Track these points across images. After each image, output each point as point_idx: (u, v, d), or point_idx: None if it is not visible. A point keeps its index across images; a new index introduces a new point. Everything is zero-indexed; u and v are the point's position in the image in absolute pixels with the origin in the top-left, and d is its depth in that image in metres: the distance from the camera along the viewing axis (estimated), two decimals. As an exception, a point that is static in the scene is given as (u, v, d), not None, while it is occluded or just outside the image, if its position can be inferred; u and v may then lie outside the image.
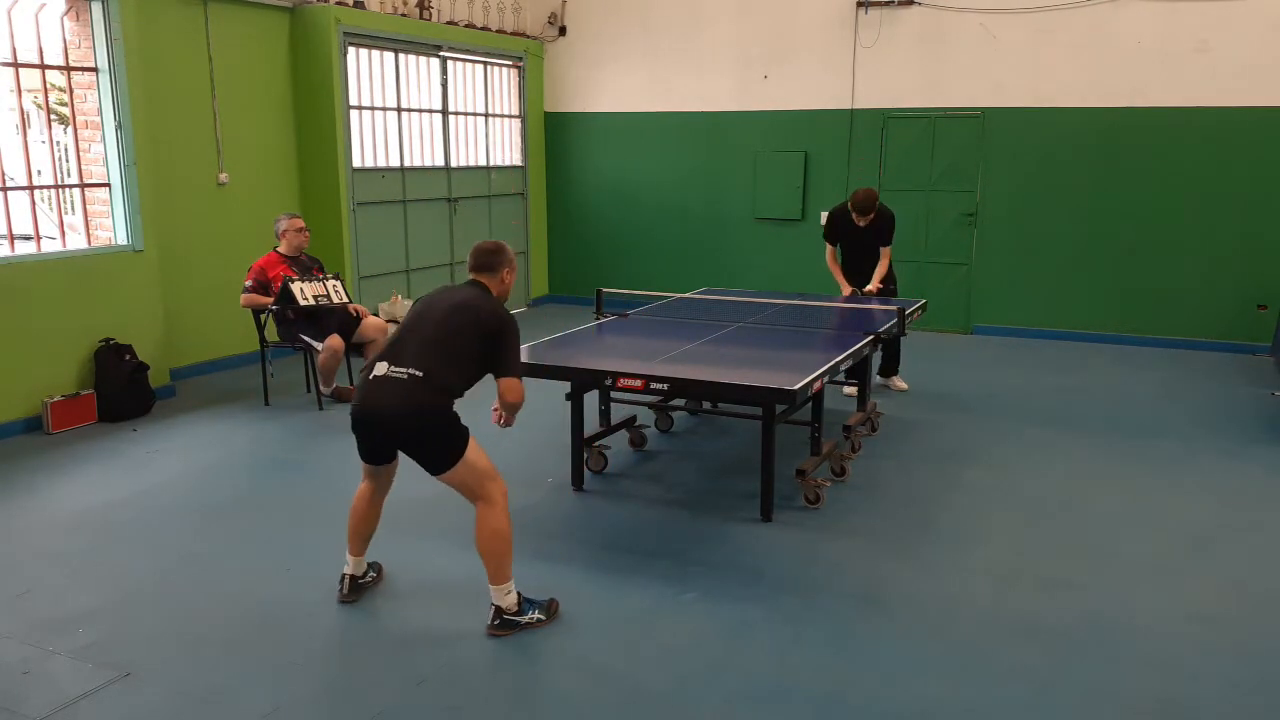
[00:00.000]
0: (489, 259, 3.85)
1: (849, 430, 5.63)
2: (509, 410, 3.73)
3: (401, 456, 3.73)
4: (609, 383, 4.76)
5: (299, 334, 6.79)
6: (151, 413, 6.64)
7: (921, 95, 9.40)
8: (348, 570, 3.93)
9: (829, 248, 7.29)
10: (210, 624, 3.77)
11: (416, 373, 3.49)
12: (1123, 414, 6.74)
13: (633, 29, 10.46)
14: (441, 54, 9.50)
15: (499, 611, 3.63)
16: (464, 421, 3.63)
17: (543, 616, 3.70)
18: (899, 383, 7.31)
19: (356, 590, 3.92)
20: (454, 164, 9.83)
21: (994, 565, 4.32)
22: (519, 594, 3.68)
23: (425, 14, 9.31)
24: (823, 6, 9.61)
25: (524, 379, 3.72)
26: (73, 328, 6.44)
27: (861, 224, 6.98)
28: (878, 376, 7.21)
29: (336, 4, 8.29)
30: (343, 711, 3.19)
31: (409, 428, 3.54)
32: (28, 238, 6.61)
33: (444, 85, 9.65)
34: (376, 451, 3.73)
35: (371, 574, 4.03)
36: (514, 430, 6.28)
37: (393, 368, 3.53)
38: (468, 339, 3.58)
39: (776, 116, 9.98)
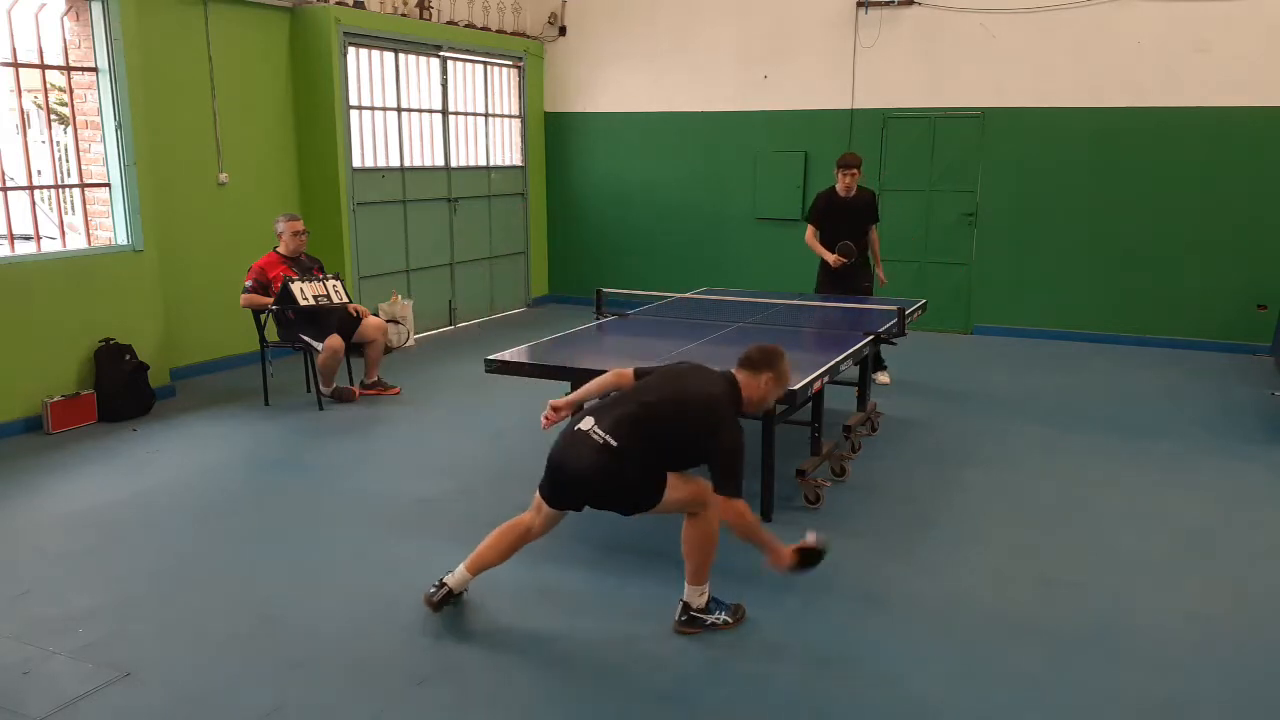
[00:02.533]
0: (759, 355, 3.62)
1: (849, 430, 5.63)
2: (736, 532, 3.42)
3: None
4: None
5: (299, 334, 6.79)
6: (151, 413, 6.64)
7: (921, 95, 9.40)
8: (450, 581, 3.70)
9: (810, 228, 7.31)
10: (210, 624, 3.77)
11: (611, 442, 3.36)
12: (1123, 414, 6.74)
13: (633, 29, 10.46)
14: (441, 54, 9.51)
15: (687, 608, 3.63)
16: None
17: (729, 619, 3.65)
18: (882, 377, 7.34)
19: (446, 602, 3.70)
20: (454, 164, 9.83)
21: (994, 565, 4.32)
22: (710, 595, 3.65)
23: (425, 14, 9.31)
24: (823, 6, 9.61)
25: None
26: (73, 328, 6.44)
27: (850, 194, 7.08)
28: None
29: (336, 4, 8.29)
30: (343, 711, 3.19)
31: (596, 489, 3.46)
32: (28, 238, 6.61)
33: (444, 85, 9.65)
34: (559, 497, 3.58)
35: (464, 595, 3.82)
36: (514, 430, 6.31)
37: (596, 427, 3.40)
38: (679, 425, 3.44)
39: (776, 116, 9.98)
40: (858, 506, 4.99)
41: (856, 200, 7.17)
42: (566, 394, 5.18)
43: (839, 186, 7.15)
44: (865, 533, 4.67)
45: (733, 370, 3.60)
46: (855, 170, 7.07)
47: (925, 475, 5.49)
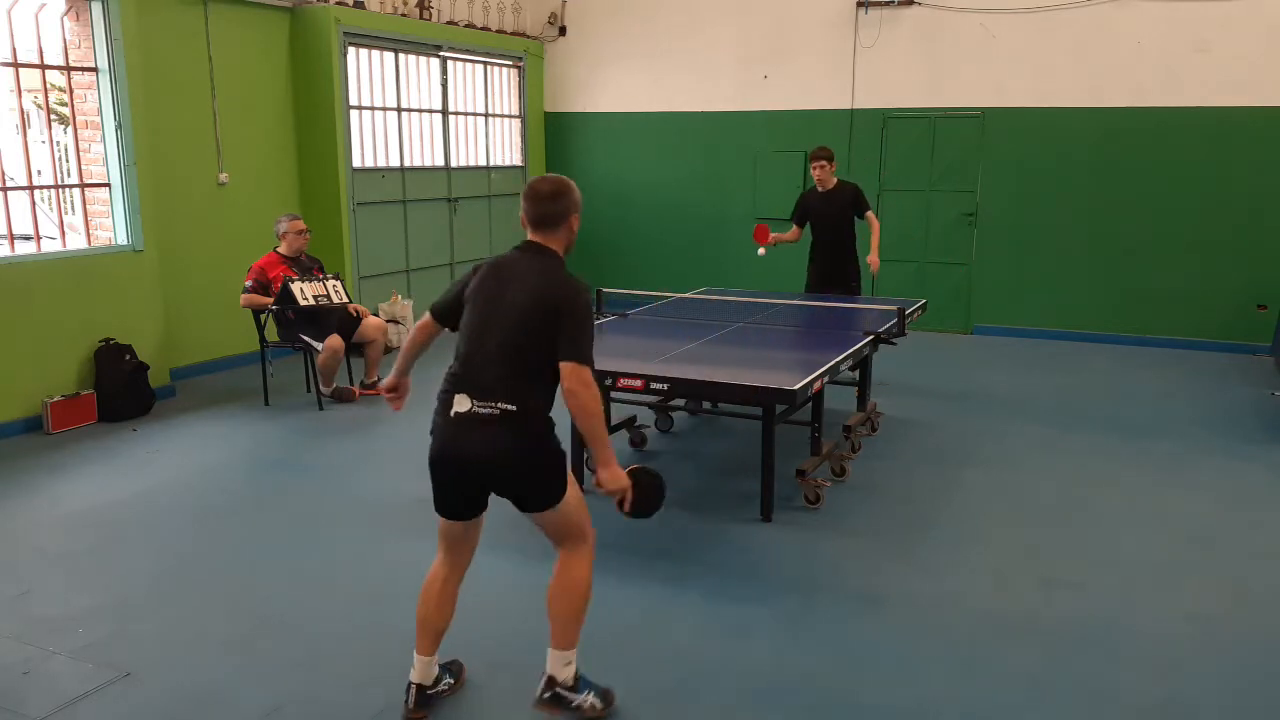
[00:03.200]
0: (550, 209, 3.07)
1: (849, 430, 5.63)
2: (573, 406, 2.86)
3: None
4: (609, 383, 4.76)
5: (299, 334, 6.79)
6: (151, 413, 6.64)
7: (921, 95, 9.40)
8: (414, 678, 3.12)
9: (794, 228, 7.31)
10: (210, 624, 3.77)
11: (509, 407, 2.85)
12: (1123, 414, 6.74)
13: (633, 29, 10.46)
14: (441, 54, 9.50)
15: (551, 683, 3.05)
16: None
17: (599, 704, 3.07)
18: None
19: (425, 705, 3.11)
20: (454, 164, 9.83)
21: (994, 565, 4.31)
22: (577, 670, 3.07)
23: (425, 14, 9.31)
24: (823, 6, 9.61)
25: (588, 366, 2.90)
26: (73, 328, 6.44)
27: (828, 187, 7.07)
28: None
29: (336, 4, 8.29)
30: (342, 711, 3.19)
31: (509, 474, 2.94)
32: (28, 238, 6.61)
33: (444, 85, 9.65)
34: (465, 500, 3.03)
35: (447, 680, 3.22)
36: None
37: (477, 403, 2.86)
38: (545, 336, 2.89)
39: (776, 116, 9.98)
40: (858, 506, 4.98)
41: (837, 195, 7.12)
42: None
43: (815, 181, 7.17)
44: (865, 533, 4.67)
45: (531, 240, 3.10)
46: (824, 161, 7.05)
47: (925, 475, 5.49)
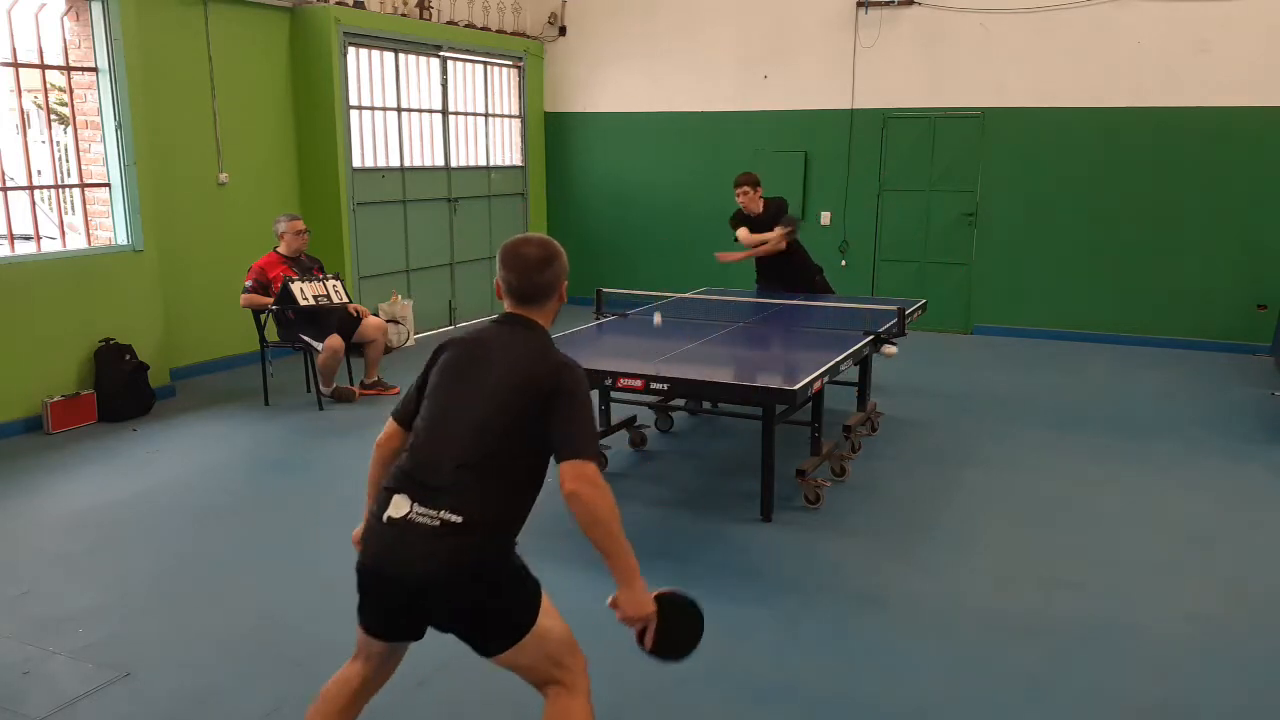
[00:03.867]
0: (539, 279, 2.50)
1: (849, 430, 5.63)
2: (581, 514, 2.26)
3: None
4: (609, 383, 4.76)
5: (299, 334, 6.79)
6: (151, 413, 6.64)
7: (921, 95, 9.40)
8: None
9: (742, 230, 6.98)
10: (210, 624, 3.77)
11: (454, 518, 2.26)
12: (1123, 414, 6.74)
13: (633, 29, 10.46)
14: (441, 54, 9.50)
15: None
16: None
17: None
18: (889, 348, 7.15)
19: None
20: (454, 164, 9.83)
21: (994, 565, 4.32)
22: None
23: (425, 14, 9.31)
24: (823, 6, 9.61)
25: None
26: (73, 328, 6.44)
27: (755, 211, 6.92)
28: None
29: (336, 4, 8.29)
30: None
31: (452, 599, 2.31)
32: (28, 238, 6.61)
33: (444, 85, 9.65)
34: (393, 625, 2.45)
35: None
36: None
37: (419, 508, 2.29)
38: (526, 430, 2.35)
39: (776, 116, 9.98)
40: (858, 506, 4.98)
41: (766, 215, 6.95)
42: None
43: (741, 207, 6.99)
44: (865, 533, 4.67)
45: (512, 311, 2.53)
46: (747, 188, 6.90)
47: (925, 475, 5.49)
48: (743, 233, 7.00)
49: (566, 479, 2.25)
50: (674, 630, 2.42)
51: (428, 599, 2.30)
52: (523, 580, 2.40)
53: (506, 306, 2.55)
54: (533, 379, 2.36)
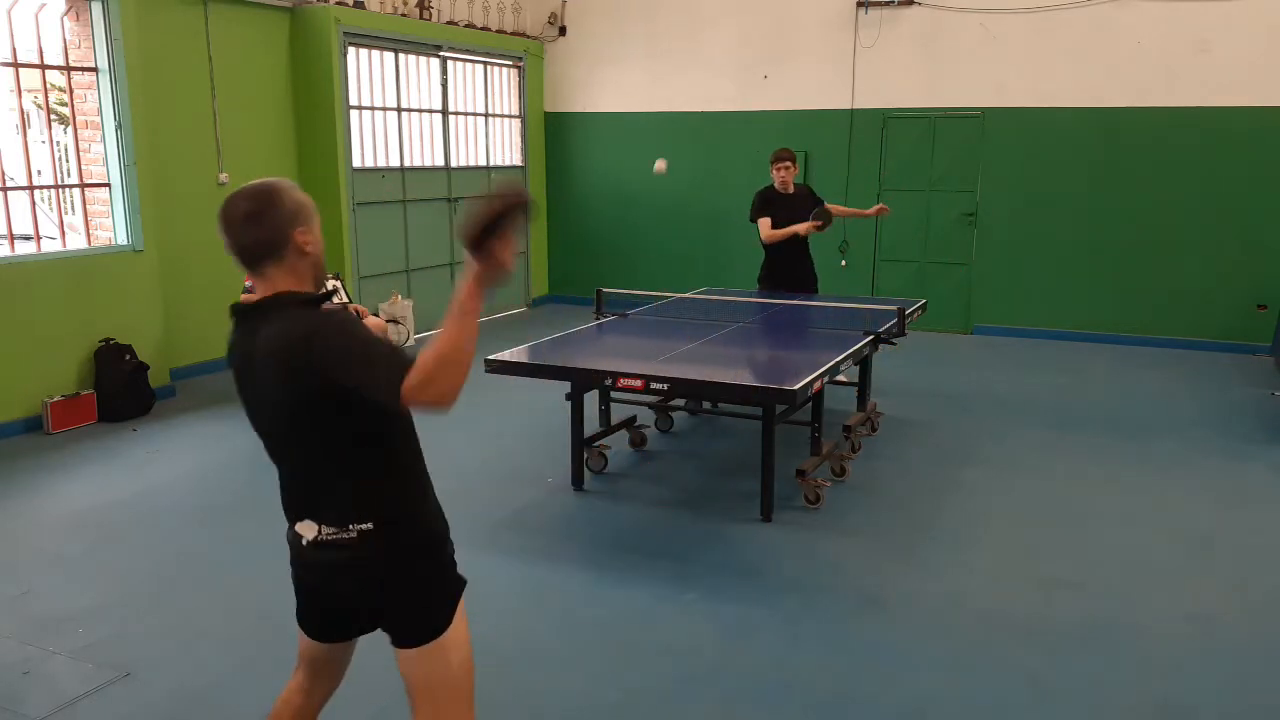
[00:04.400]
0: (254, 235, 2.15)
1: (849, 430, 5.63)
2: (435, 396, 1.89)
3: None
4: (609, 383, 4.76)
5: (299, 334, 6.78)
6: (151, 413, 6.64)
7: (921, 95, 9.40)
8: None
9: (765, 221, 6.73)
10: (210, 624, 3.77)
11: (344, 535, 2.13)
12: (1123, 414, 6.74)
13: (633, 29, 10.46)
14: (441, 54, 9.50)
15: None
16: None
17: None
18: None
19: None
20: (454, 164, 9.83)
21: (994, 565, 4.32)
22: None
23: (425, 14, 9.31)
24: (823, 6, 9.61)
25: (445, 373, 1.90)
26: (73, 328, 6.44)
27: (788, 190, 6.77)
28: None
29: (336, 4, 8.29)
30: (342, 711, 3.18)
31: (366, 589, 2.19)
32: (28, 238, 6.62)
33: (444, 85, 9.65)
34: (329, 621, 2.37)
35: None
36: (514, 430, 6.31)
37: (320, 530, 2.16)
38: (330, 410, 2.03)
39: (776, 116, 9.97)
40: (858, 506, 4.98)
41: (796, 196, 6.84)
42: (567, 395, 5.10)
43: (776, 182, 6.82)
44: (865, 533, 4.67)
45: (245, 297, 2.30)
46: (788, 163, 6.80)
47: (925, 475, 5.49)
48: (764, 225, 6.75)
49: (405, 402, 1.89)
50: (505, 218, 1.91)
51: (359, 605, 2.20)
52: (446, 571, 2.23)
53: (244, 281, 2.18)
54: (293, 373, 2.00)
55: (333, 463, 2.10)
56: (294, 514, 2.22)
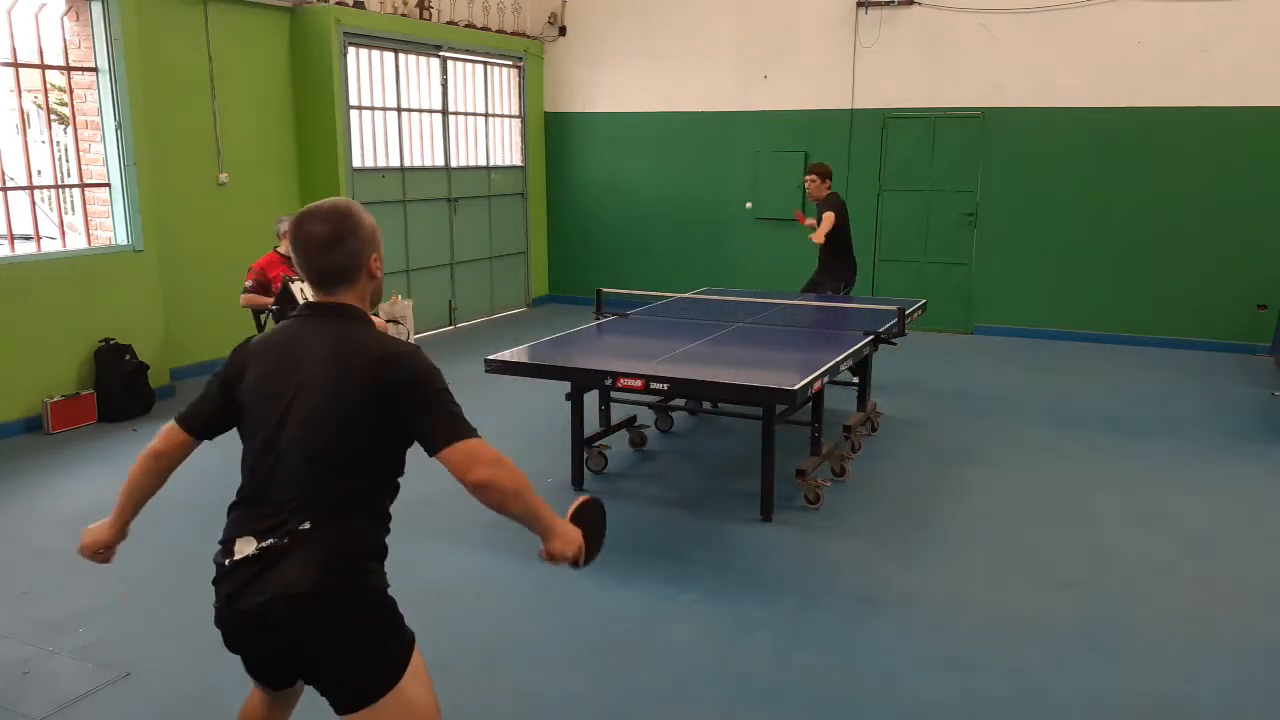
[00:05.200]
0: (334, 260, 2.14)
1: (849, 430, 5.63)
2: (494, 499, 2.03)
3: None
4: (609, 383, 4.76)
5: (299, 334, 6.78)
6: (151, 413, 6.64)
7: (921, 95, 9.40)
8: None
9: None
10: (210, 624, 3.76)
11: (305, 525, 2.03)
12: (1123, 414, 6.74)
13: (633, 29, 10.46)
14: (441, 54, 9.50)
15: None
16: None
17: None
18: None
19: None
20: (454, 164, 9.83)
21: (994, 565, 4.32)
22: None
23: (425, 14, 9.31)
24: (823, 6, 9.61)
25: (477, 434, 2.07)
26: (73, 328, 6.44)
27: (816, 200, 7.44)
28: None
29: (336, 4, 8.29)
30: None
31: (309, 631, 2.04)
32: (28, 238, 6.62)
33: (444, 85, 9.65)
34: (270, 672, 2.28)
35: None
36: (514, 430, 6.30)
37: (262, 541, 2.07)
38: (372, 427, 2.07)
39: (776, 116, 9.98)
40: (858, 506, 4.98)
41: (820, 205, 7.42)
42: (567, 395, 5.14)
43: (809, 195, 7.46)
44: (865, 533, 4.67)
45: (318, 300, 2.20)
46: (814, 177, 7.36)
47: (925, 475, 5.49)
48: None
49: (464, 471, 1.99)
50: (593, 534, 2.29)
51: (290, 635, 2.06)
52: (391, 615, 2.15)
53: (310, 295, 2.22)
54: (358, 380, 2.04)
55: (335, 466, 2.06)
56: (241, 530, 2.13)
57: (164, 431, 2.32)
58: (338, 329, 2.12)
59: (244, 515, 2.14)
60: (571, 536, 2.15)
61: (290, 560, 2.01)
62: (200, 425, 2.30)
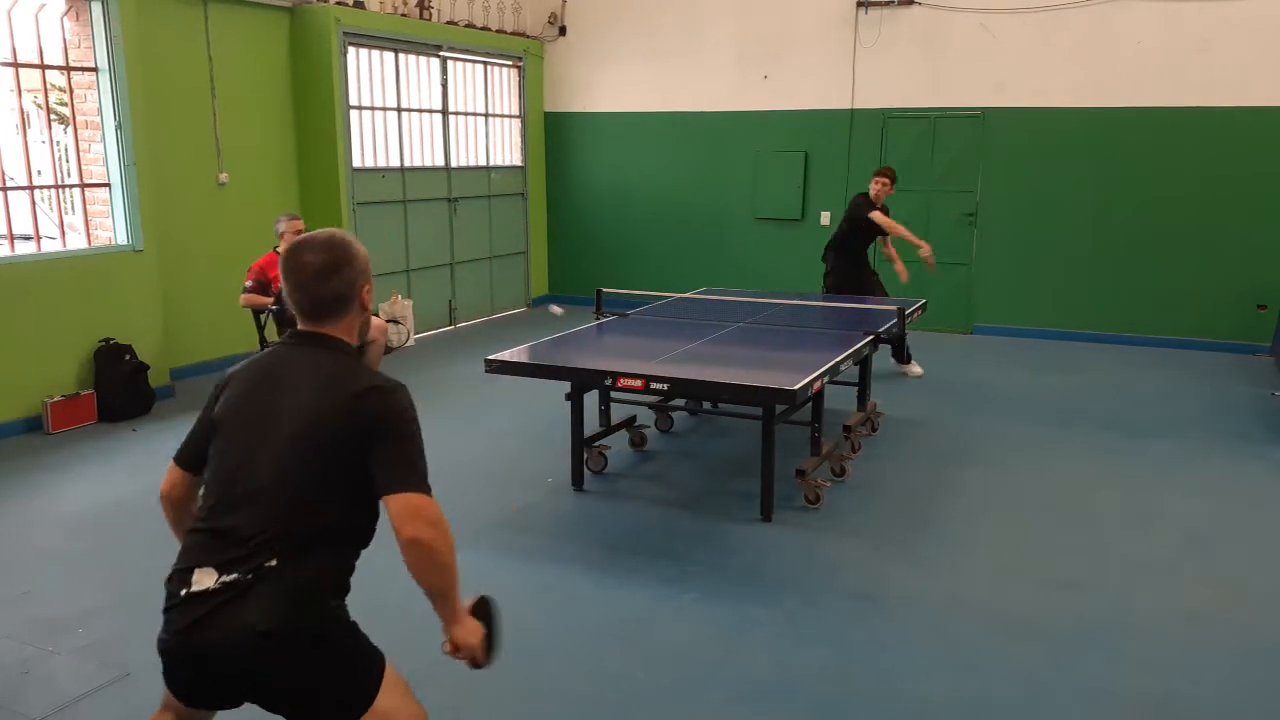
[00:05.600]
0: (321, 292, 2.14)
1: (849, 430, 5.63)
2: (417, 560, 2.04)
3: None
4: (609, 383, 4.76)
5: (299, 334, 6.77)
6: (151, 413, 6.64)
7: (921, 95, 9.40)
8: None
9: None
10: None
11: (270, 562, 1.98)
12: (1123, 414, 6.74)
13: (633, 29, 10.45)
14: (441, 54, 9.50)
15: None
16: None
17: None
18: (915, 368, 7.70)
19: None
20: (454, 164, 9.83)
21: (994, 565, 4.32)
22: None
23: (425, 14, 9.31)
24: (823, 6, 9.61)
25: (423, 479, 2.08)
26: (73, 328, 6.44)
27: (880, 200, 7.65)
28: (892, 362, 7.69)
29: (336, 4, 8.29)
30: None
31: (272, 670, 2.01)
32: (28, 238, 6.62)
33: (444, 85, 9.65)
34: (204, 696, 2.21)
35: None
36: (514, 430, 6.31)
37: (224, 575, 2.00)
38: (344, 464, 2.06)
39: (776, 116, 9.98)
40: (858, 506, 4.98)
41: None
42: (567, 395, 5.13)
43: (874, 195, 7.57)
44: (865, 533, 4.67)
45: (306, 329, 2.18)
46: (885, 180, 7.55)
47: (925, 475, 5.49)
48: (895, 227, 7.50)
49: (401, 521, 1.98)
50: (491, 631, 2.22)
51: (250, 673, 2.02)
52: (358, 641, 2.12)
53: (299, 324, 2.19)
54: (345, 408, 2.04)
55: (304, 499, 2.04)
56: (199, 560, 2.06)
57: (167, 472, 2.35)
58: (321, 360, 2.13)
59: (205, 545, 2.06)
60: (474, 628, 2.15)
61: (251, 597, 1.97)
62: (195, 460, 2.27)
